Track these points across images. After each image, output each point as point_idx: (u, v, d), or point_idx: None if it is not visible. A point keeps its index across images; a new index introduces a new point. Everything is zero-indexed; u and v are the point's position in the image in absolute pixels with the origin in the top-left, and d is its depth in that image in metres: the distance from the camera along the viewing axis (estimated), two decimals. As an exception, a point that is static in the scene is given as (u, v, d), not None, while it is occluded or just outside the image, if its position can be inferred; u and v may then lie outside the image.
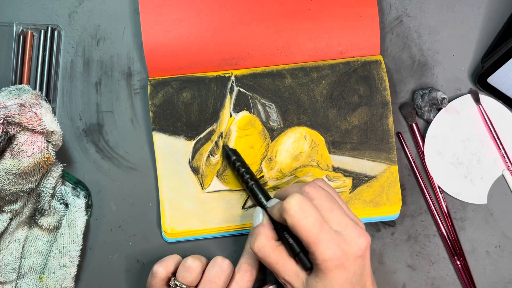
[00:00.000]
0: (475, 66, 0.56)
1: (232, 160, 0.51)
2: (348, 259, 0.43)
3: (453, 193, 0.55)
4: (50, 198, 0.51)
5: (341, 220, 0.44)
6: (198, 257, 0.49)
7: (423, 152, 0.55)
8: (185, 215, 0.53)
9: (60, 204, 0.52)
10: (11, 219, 0.50)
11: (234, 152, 0.52)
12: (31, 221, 0.52)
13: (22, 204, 0.50)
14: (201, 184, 0.53)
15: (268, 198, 0.49)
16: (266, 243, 0.45)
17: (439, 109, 0.55)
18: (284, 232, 0.46)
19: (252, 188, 0.50)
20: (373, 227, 0.55)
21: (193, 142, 0.53)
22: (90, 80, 0.55)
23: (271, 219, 0.47)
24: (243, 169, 0.51)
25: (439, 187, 0.55)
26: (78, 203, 0.51)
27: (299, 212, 0.43)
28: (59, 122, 0.53)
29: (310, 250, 0.43)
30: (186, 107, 0.53)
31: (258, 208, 0.49)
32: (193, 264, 0.47)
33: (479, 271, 0.55)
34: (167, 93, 0.53)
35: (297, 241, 0.45)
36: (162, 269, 0.48)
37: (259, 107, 0.54)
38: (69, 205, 0.51)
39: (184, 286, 0.47)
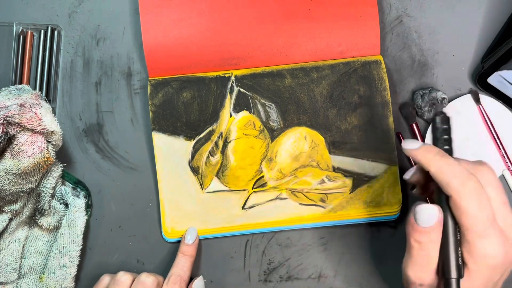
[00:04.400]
0: (475, 66, 0.56)
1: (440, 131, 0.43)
2: (504, 263, 0.38)
3: (453, 193, 0.55)
4: (50, 198, 0.51)
5: (508, 218, 0.39)
6: (148, 274, 0.49)
7: (423, 152, 0.55)
8: (185, 215, 0.53)
9: (60, 204, 0.52)
10: (11, 219, 0.50)
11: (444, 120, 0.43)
12: (31, 221, 0.52)
13: (22, 204, 0.50)
14: (201, 184, 0.53)
15: None
16: (426, 278, 0.40)
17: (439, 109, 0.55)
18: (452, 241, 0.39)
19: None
20: (373, 227, 0.55)
21: (193, 142, 0.53)
22: (90, 80, 0.55)
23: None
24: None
25: (439, 187, 0.55)
26: (78, 203, 0.51)
27: (475, 201, 0.37)
28: (59, 122, 0.53)
29: (471, 240, 0.38)
30: (186, 107, 0.53)
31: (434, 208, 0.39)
32: (122, 277, 0.49)
33: (479, 271, 0.54)
34: (167, 93, 0.53)
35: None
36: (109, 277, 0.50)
37: (259, 107, 0.54)
38: (69, 205, 0.51)
39: None
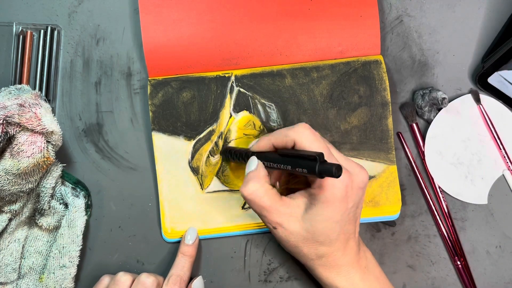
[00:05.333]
0: (476, 66, 0.56)
1: (233, 153, 0.51)
2: (352, 189, 0.44)
3: (453, 193, 0.55)
4: (50, 198, 0.51)
5: (340, 155, 0.47)
6: (148, 274, 0.49)
7: (423, 152, 0.55)
8: (185, 215, 0.53)
9: (60, 204, 0.52)
10: (10, 219, 0.50)
11: (227, 148, 0.53)
12: (31, 221, 0.52)
13: (21, 204, 0.50)
14: (201, 185, 0.53)
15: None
16: (258, 187, 0.45)
17: (439, 109, 0.55)
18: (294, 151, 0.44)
19: (236, 152, 0.50)
20: (373, 227, 0.55)
21: (193, 142, 0.53)
22: (90, 80, 0.55)
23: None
24: (233, 151, 0.51)
25: (439, 187, 0.55)
26: (78, 203, 0.51)
27: (311, 135, 0.44)
28: (59, 122, 0.53)
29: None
30: (186, 107, 0.53)
31: (252, 157, 0.47)
32: (122, 277, 0.49)
33: (479, 271, 0.55)
34: (167, 93, 0.53)
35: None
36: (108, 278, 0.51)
37: (259, 107, 0.54)
38: (69, 205, 0.51)
39: None
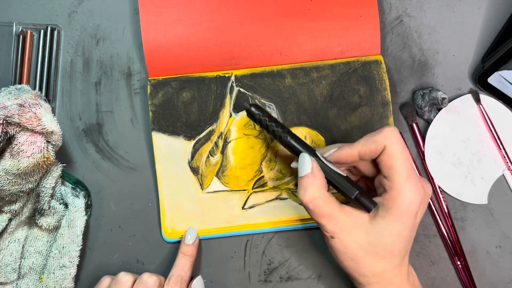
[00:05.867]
0: (476, 66, 0.56)
1: (258, 119, 0.46)
2: (423, 204, 0.42)
3: (453, 193, 0.55)
4: (50, 198, 0.51)
5: (414, 170, 0.44)
6: (150, 274, 0.49)
7: (423, 152, 0.55)
8: (185, 215, 0.53)
9: (60, 204, 0.52)
10: (10, 219, 0.50)
11: (257, 107, 0.47)
12: (31, 221, 0.52)
13: (21, 204, 0.50)
14: (201, 185, 0.53)
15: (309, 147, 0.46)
16: (318, 194, 0.43)
17: (439, 109, 0.55)
18: (339, 175, 0.43)
19: (288, 140, 0.45)
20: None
21: (193, 142, 0.53)
22: (90, 80, 0.55)
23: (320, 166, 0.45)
24: (273, 126, 0.46)
25: (439, 187, 0.55)
26: (78, 203, 0.51)
27: (401, 142, 0.42)
28: (59, 122, 0.53)
29: (398, 187, 0.41)
30: (186, 107, 0.53)
31: (304, 156, 0.44)
32: (123, 277, 0.49)
33: (479, 271, 0.55)
34: (167, 93, 0.53)
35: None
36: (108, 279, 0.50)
37: (259, 107, 0.54)
38: (69, 205, 0.51)
39: None
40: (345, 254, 0.43)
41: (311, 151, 0.45)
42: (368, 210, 0.43)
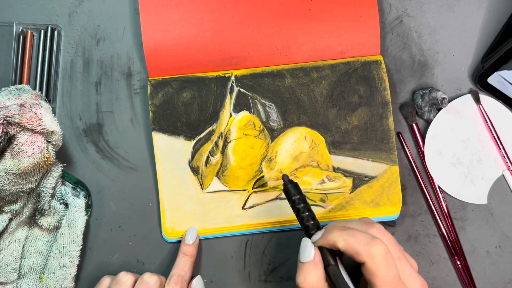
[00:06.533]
0: (475, 66, 0.56)
1: (293, 200, 0.46)
2: None
3: (453, 193, 0.55)
4: (50, 198, 0.51)
5: (406, 269, 0.43)
6: (151, 274, 0.49)
7: (423, 152, 0.55)
8: (185, 215, 0.53)
9: (60, 204, 0.52)
10: (11, 219, 0.50)
11: (295, 188, 0.46)
12: (31, 221, 0.52)
13: (22, 204, 0.50)
14: (201, 185, 0.53)
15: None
16: (317, 284, 0.42)
17: (439, 109, 0.55)
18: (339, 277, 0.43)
19: (309, 226, 0.45)
20: (373, 227, 0.55)
21: (193, 142, 0.53)
22: (90, 80, 0.55)
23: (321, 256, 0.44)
24: (304, 211, 0.46)
25: (439, 187, 0.55)
26: (78, 203, 0.51)
27: (384, 263, 0.40)
28: (59, 122, 0.53)
29: None
30: (186, 107, 0.53)
31: (307, 241, 0.44)
32: (124, 277, 0.49)
33: (479, 271, 0.55)
34: (167, 93, 0.53)
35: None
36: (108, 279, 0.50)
37: (259, 107, 0.54)
38: (69, 205, 0.51)
39: None
40: None
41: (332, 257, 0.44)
42: None
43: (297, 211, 0.45)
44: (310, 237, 0.44)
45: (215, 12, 0.54)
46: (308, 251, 0.43)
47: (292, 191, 0.46)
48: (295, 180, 0.53)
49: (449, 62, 0.56)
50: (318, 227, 0.45)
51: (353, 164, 0.53)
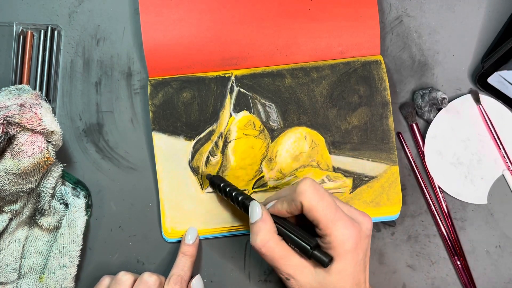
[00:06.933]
0: (475, 66, 0.56)
1: (220, 187, 0.51)
2: (361, 239, 0.44)
3: (453, 193, 0.55)
4: (50, 198, 0.51)
5: (342, 204, 0.46)
6: (151, 274, 0.49)
7: (423, 152, 0.55)
8: (185, 215, 0.53)
9: (60, 204, 0.52)
10: (11, 219, 0.50)
11: (218, 178, 0.52)
12: (31, 221, 0.52)
13: (22, 204, 0.50)
14: (201, 185, 0.53)
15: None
16: (269, 238, 0.45)
17: (439, 109, 0.55)
18: (289, 230, 0.45)
19: (239, 198, 0.49)
20: (373, 227, 0.55)
21: (193, 142, 0.53)
22: (90, 80, 0.55)
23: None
24: (233, 192, 0.50)
25: (439, 187, 0.55)
26: (78, 203, 0.51)
27: (315, 193, 0.43)
28: (59, 122, 0.53)
29: (327, 232, 0.43)
30: (186, 107, 0.53)
31: (254, 203, 0.47)
32: (123, 277, 0.49)
33: (479, 271, 0.55)
34: (167, 93, 0.53)
35: (303, 238, 0.44)
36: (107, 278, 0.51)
37: (259, 107, 0.54)
38: (69, 205, 0.51)
39: None
40: None
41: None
42: (324, 265, 0.44)
43: (229, 195, 0.50)
44: (243, 204, 0.48)
45: (215, 12, 0.54)
46: (257, 211, 0.46)
47: (216, 181, 0.51)
48: (295, 180, 0.54)
49: (449, 62, 0.56)
50: (244, 194, 0.49)
51: (353, 164, 0.53)
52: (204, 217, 0.53)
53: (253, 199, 0.48)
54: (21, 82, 0.53)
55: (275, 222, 0.46)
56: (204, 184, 0.53)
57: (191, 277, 0.51)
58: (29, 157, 0.47)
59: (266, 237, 0.45)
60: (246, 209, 0.48)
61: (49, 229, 0.51)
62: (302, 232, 0.45)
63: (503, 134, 0.55)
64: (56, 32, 0.54)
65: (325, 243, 0.44)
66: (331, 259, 0.43)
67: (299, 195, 0.44)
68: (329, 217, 0.43)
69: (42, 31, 0.54)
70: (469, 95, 0.55)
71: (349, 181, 0.53)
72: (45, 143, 0.48)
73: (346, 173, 0.53)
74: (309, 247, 0.44)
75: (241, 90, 0.54)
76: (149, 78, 0.54)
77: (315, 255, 0.44)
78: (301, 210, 0.44)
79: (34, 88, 0.53)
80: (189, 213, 0.53)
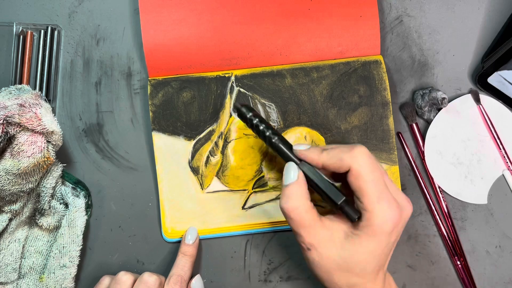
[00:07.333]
0: (475, 66, 0.56)
1: (249, 118, 0.46)
2: (399, 224, 0.42)
3: (453, 193, 0.55)
4: (50, 198, 0.51)
5: (391, 184, 0.44)
6: (151, 274, 0.49)
7: (423, 152, 0.55)
8: (185, 215, 0.53)
9: (60, 204, 0.52)
10: (11, 219, 0.50)
11: (248, 108, 0.46)
12: (31, 221, 0.52)
13: (22, 204, 0.50)
14: (201, 185, 0.53)
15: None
16: (300, 204, 0.42)
17: (439, 109, 0.55)
18: (321, 179, 0.43)
19: (278, 144, 0.45)
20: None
21: (193, 142, 0.53)
22: (90, 80, 0.55)
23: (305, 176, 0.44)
24: (262, 126, 0.45)
25: (439, 187, 0.55)
26: (78, 203, 0.51)
27: (369, 162, 0.41)
28: (59, 122, 0.53)
29: (369, 208, 0.41)
30: (186, 107, 0.53)
31: (290, 164, 0.44)
32: (123, 277, 0.49)
33: (479, 271, 0.55)
34: (167, 93, 0.53)
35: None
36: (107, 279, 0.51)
37: (259, 107, 0.54)
38: (69, 205, 0.51)
39: None
40: (320, 267, 0.43)
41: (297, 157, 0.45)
42: (352, 219, 0.42)
43: (257, 130, 0.45)
44: (277, 149, 0.44)
45: (215, 12, 0.54)
46: (292, 174, 0.43)
47: (244, 112, 0.46)
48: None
49: (449, 62, 0.56)
50: (281, 138, 0.45)
51: (353, 164, 0.53)
52: (204, 217, 0.53)
53: (281, 140, 0.45)
54: (21, 82, 0.53)
55: (304, 170, 0.43)
56: (204, 184, 0.53)
57: (191, 277, 0.51)
58: (29, 157, 0.47)
59: (298, 202, 0.42)
60: (274, 148, 0.45)
61: (49, 229, 0.51)
62: (332, 186, 0.43)
63: (503, 134, 0.55)
64: (56, 32, 0.54)
65: (363, 220, 0.42)
66: (360, 216, 0.42)
67: (352, 157, 0.41)
68: (376, 192, 0.41)
69: (42, 31, 0.54)
70: (469, 95, 0.55)
71: (349, 181, 0.53)
72: (45, 143, 0.48)
73: (346, 173, 0.53)
74: (339, 200, 0.42)
75: (241, 90, 0.54)
76: (149, 78, 0.54)
77: (344, 208, 0.42)
78: (342, 171, 0.42)
79: (34, 88, 0.53)
80: (189, 213, 0.53)
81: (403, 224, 0.43)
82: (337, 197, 0.42)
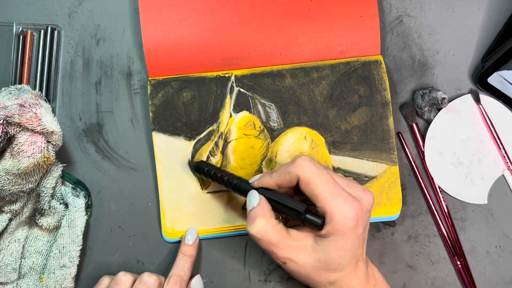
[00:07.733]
0: (475, 66, 0.56)
1: (207, 171, 0.50)
2: (362, 215, 0.43)
3: (453, 193, 0.55)
4: (50, 198, 0.51)
5: (342, 180, 0.45)
6: (150, 274, 0.49)
7: (423, 152, 0.55)
8: (185, 215, 0.53)
9: (60, 204, 0.52)
10: (11, 219, 0.50)
11: (204, 163, 0.51)
12: (31, 221, 0.52)
13: (22, 204, 0.50)
14: (201, 185, 0.53)
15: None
16: (265, 223, 0.44)
17: (439, 109, 0.55)
18: (279, 198, 0.45)
19: (238, 183, 0.48)
20: (373, 227, 0.55)
21: (193, 142, 0.53)
22: (90, 80, 0.55)
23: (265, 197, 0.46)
24: (220, 174, 0.49)
25: (439, 187, 0.55)
26: (78, 203, 0.51)
27: (313, 167, 0.43)
28: (59, 122, 0.53)
29: (326, 208, 0.42)
30: (186, 107, 0.53)
31: (251, 192, 0.46)
32: (123, 277, 0.49)
33: (479, 271, 0.55)
34: (167, 93, 0.53)
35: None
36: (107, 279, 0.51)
37: (259, 107, 0.54)
38: (69, 205, 0.51)
39: None
40: (299, 274, 0.45)
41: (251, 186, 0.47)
42: (318, 226, 0.44)
43: (216, 177, 0.49)
44: (237, 187, 0.47)
45: (215, 12, 0.54)
46: (254, 198, 0.46)
47: (202, 166, 0.50)
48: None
49: (449, 62, 0.56)
50: (239, 178, 0.48)
51: (353, 164, 0.53)
52: (204, 217, 0.53)
53: (239, 179, 0.48)
54: (21, 82, 0.53)
55: (264, 194, 0.46)
56: (204, 184, 0.53)
57: (191, 277, 0.51)
58: (29, 157, 0.47)
59: (262, 222, 0.44)
60: (234, 188, 0.48)
61: (49, 229, 0.51)
62: (291, 199, 0.45)
63: (503, 134, 0.55)
64: (56, 32, 0.54)
65: (326, 222, 0.43)
66: (323, 220, 0.43)
67: (297, 168, 0.43)
68: (327, 192, 0.42)
69: (42, 31, 0.54)
70: (469, 95, 0.55)
71: (349, 181, 0.53)
72: (45, 143, 0.48)
73: (346, 173, 0.53)
74: (301, 210, 0.44)
75: (241, 90, 0.54)
76: (149, 78, 0.54)
77: (308, 218, 0.44)
78: (294, 184, 0.44)
79: (34, 88, 0.53)
80: (189, 213, 0.53)
81: (366, 213, 0.44)
82: (298, 206, 0.44)
